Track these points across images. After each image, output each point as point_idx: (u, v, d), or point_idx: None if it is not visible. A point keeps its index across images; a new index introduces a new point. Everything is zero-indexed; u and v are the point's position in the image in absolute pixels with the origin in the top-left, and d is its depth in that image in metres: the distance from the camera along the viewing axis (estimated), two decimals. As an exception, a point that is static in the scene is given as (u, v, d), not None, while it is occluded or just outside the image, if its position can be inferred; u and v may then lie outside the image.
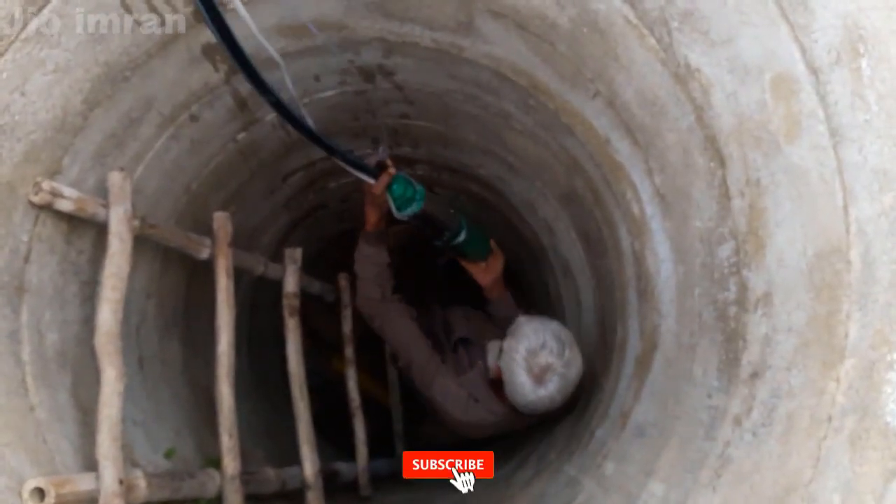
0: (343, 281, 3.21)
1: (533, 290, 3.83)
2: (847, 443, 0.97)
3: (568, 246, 2.81)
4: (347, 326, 3.17)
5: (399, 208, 2.48)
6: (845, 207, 1.04)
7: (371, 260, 2.66)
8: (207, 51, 1.88)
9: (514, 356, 2.24)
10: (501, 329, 2.47)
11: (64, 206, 1.64)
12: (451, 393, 2.55)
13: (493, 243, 2.95)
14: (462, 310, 3.02)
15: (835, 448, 0.99)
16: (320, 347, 4.05)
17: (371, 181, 2.39)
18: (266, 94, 1.84)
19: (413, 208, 2.49)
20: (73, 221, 1.75)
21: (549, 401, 2.23)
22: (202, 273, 2.43)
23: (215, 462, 2.11)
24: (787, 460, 1.09)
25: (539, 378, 2.20)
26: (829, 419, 1.02)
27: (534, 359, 2.21)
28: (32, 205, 1.59)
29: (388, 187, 2.41)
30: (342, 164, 2.33)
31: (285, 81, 2.03)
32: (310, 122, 2.15)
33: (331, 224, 3.72)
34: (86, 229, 1.82)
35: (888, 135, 0.95)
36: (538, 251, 3.27)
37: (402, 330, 2.67)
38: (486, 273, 2.88)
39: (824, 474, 1.00)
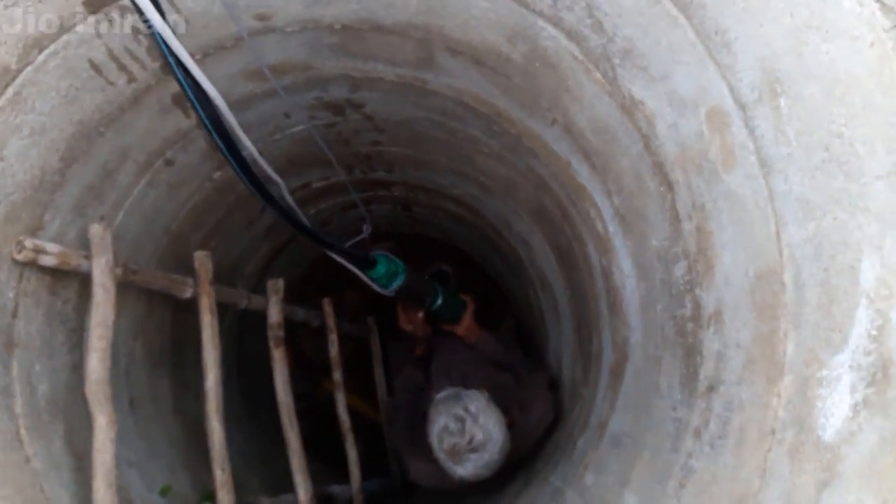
0: (328, 306, 3.26)
1: (515, 302, 3.90)
2: (787, 455, 1.04)
3: (543, 259, 2.88)
4: (334, 350, 3.22)
5: (385, 285, 2.57)
6: (777, 233, 1.12)
7: (414, 380, 3.02)
8: (177, 99, 1.94)
9: (432, 441, 2.23)
10: (488, 362, 2.57)
11: (47, 261, 1.68)
12: (425, 471, 2.55)
13: (462, 297, 3.09)
14: (443, 358, 3.06)
15: (778, 460, 1.06)
16: (309, 369, 4.10)
17: (366, 279, 2.57)
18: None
19: (398, 282, 2.59)
20: (57, 273, 1.79)
21: (475, 477, 2.20)
22: (186, 309, 2.47)
23: (211, 496, 2.15)
24: (740, 471, 1.16)
25: (454, 459, 2.18)
26: (773, 432, 1.09)
27: (441, 444, 2.19)
28: (16, 262, 1.63)
29: (372, 268, 2.54)
30: (338, 258, 2.41)
31: (285, 196, 2.31)
32: (305, 220, 2.32)
33: (311, 249, 3.77)
34: (70, 279, 1.86)
35: (807, 167, 1.02)
36: (516, 264, 3.34)
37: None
38: (461, 325, 3.02)
39: (770, 485, 1.07)
